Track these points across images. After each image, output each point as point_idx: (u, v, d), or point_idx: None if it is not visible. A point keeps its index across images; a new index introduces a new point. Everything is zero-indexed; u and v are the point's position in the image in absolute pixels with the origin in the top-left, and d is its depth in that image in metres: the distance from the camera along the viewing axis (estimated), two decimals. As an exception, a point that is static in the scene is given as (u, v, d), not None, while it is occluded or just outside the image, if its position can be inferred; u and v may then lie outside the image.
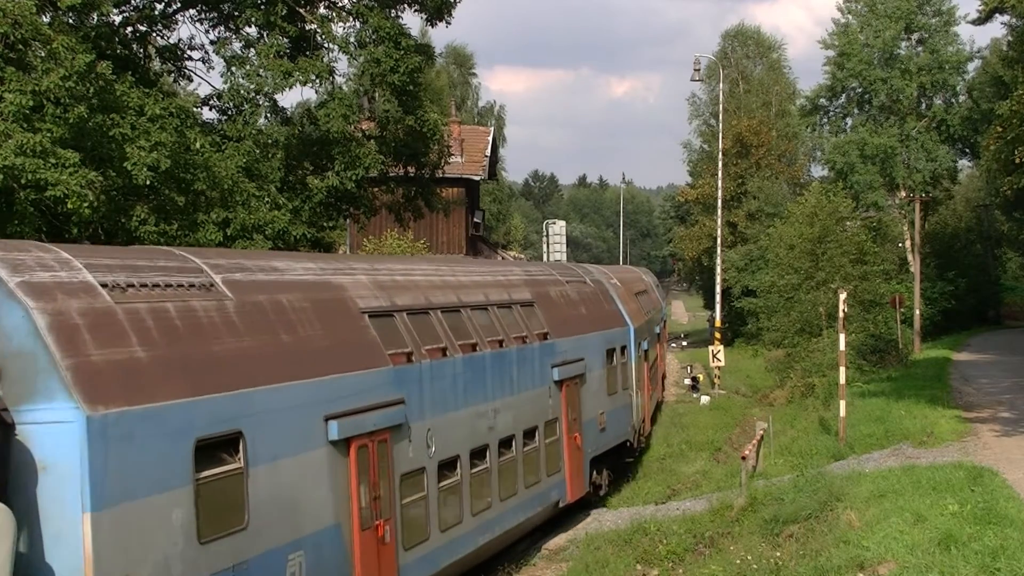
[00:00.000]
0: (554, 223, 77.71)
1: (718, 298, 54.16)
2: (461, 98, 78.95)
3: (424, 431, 14.49)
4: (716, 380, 47.18)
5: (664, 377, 45.19)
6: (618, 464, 26.68)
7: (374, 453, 13.08)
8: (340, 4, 28.74)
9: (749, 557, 16.04)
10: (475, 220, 54.36)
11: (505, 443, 17.68)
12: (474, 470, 16.25)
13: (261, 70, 26.38)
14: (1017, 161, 26.29)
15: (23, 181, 18.26)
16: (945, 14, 56.71)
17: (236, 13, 27.45)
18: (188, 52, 29.19)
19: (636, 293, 32.84)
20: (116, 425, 8.97)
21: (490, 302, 18.18)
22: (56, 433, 8.65)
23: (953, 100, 58.18)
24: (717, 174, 57.33)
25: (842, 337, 25.62)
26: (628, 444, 26.53)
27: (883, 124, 56.23)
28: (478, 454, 16.51)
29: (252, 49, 27.28)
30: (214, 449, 10.19)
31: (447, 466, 15.31)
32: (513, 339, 18.33)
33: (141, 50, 27.75)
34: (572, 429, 21.03)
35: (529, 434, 18.79)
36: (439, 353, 15.35)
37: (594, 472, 23.42)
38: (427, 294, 16.08)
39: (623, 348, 25.99)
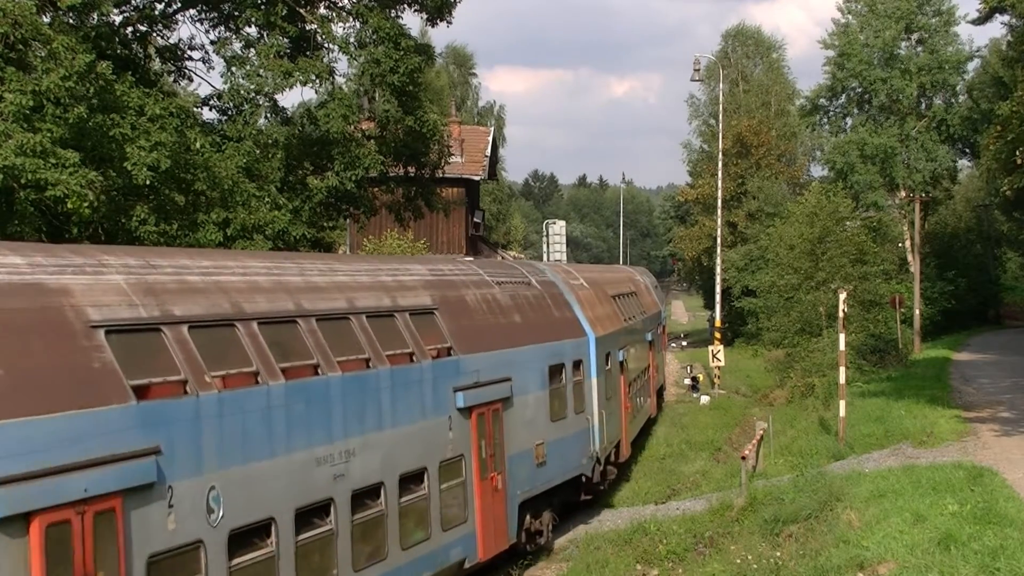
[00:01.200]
0: (554, 223, 77.67)
1: (718, 298, 54.17)
2: (461, 98, 78.94)
3: (201, 490, 10.56)
4: (716, 380, 47.19)
5: (662, 388, 41.69)
6: (573, 503, 22.91)
7: (85, 532, 9.16)
8: (340, 4, 28.73)
9: (749, 557, 16.05)
10: (475, 220, 54.34)
11: (368, 494, 13.52)
12: (304, 536, 12.07)
13: (261, 70, 26.37)
14: (1017, 161, 26.30)
15: (23, 181, 18.26)
16: (945, 14, 56.72)
17: (236, 13, 27.45)
18: (188, 52, 29.18)
19: (616, 295, 29.21)
20: None
21: (355, 309, 14.09)
22: None
23: (953, 100, 58.19)
24: (717, 174, 57.35)
25: (842, 337, 25.62)
26: (585, 479, 22.37)
27: (883, 124, 56.25)
28: (314, 513, 12.40)
29: (252, 49, 27.26)
30: None
31: (250, 535, 11.31)
32: (389, 357, 14.24)
33: (141, 50, 27.74)
34: (488, 468, 16.98)
35: (413, 479, 14.56)
36: (244, 380, 11.61)
37: (528, 517, 19.37)
38: (236, 300, 12.14)
39: (578, 363, 21.94)
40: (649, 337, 34.72)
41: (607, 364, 24.27)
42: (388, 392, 14.13)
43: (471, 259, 27.71)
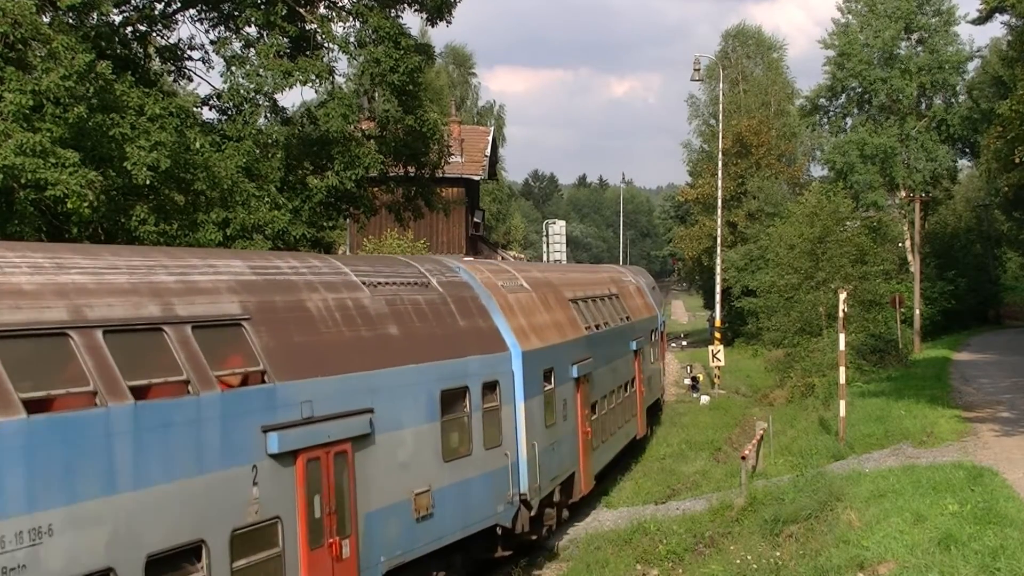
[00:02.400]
0: (554, 223, 77.68)
1: (718, 298, 54.18)
2: (461, 98, 78.96)
3: None
4: (716, 380, 47.19)
5: (659, 401, 37.62)
6: (486, 560, 18.53)
7: None
8: (340, 4, 28.73)
9: (749, 557, 16.05)
10: (475, 220, 54.36)
11: None
12: None
13: (261, 70, 26.37)
14: (1016, 160, 26.31)
15: (23, 181, 18.26)
16: (945, 14, 56.77)
17: (236, 13, 27.44)
18: (188, 52, 29.18)
19: (580, 299, 25.09)
20: None
21: (81, 322, 9.95)
22: None
23: (953, 100, 58.23)
24: (717, 174, 57.35)
25: (842, 337, 25.62)
26: (502, 530, 17.94)
27: (883, 124, 56.28)
28: None
29: (252, 49, 27.26)
30: None
31: None
32: (135, 389, 10.15)
33: (141, 50, 27.73)
34: (327, 532, 12.53)
35: (178, 560, 10.39)
36: None
37: None
38: None
39: (492, 384, 17.41)
40: (634, 346, 30.23)
41: (548, 383, 20.15)
42: (128, 438, 9.93)
43: (349, 256, 20.90)
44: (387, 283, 15.67)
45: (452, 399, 15.98)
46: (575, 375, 22.17)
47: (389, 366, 14.34)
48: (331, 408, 12.77)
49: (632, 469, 28.93)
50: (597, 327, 25.49)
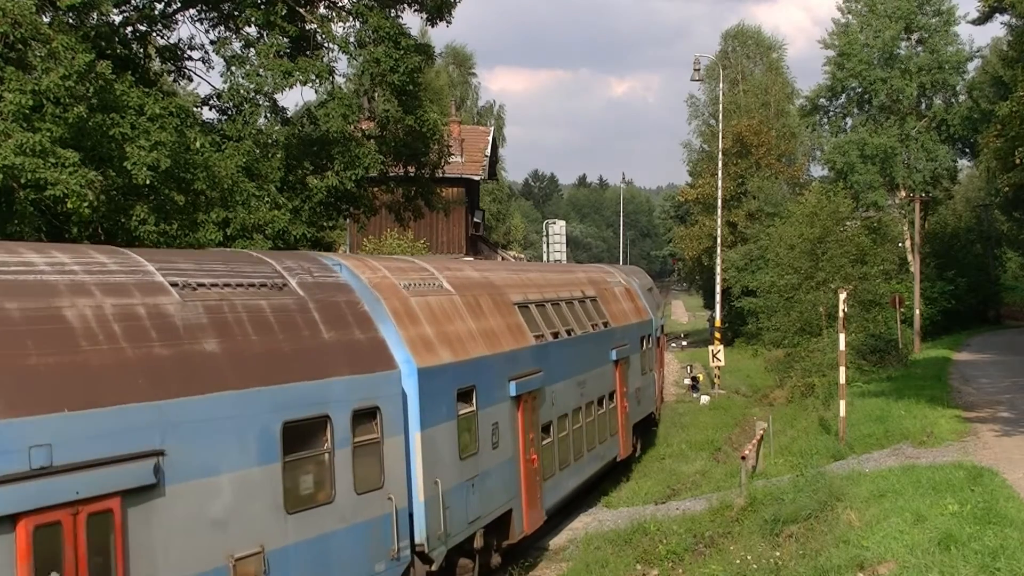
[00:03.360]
0: (554, 223, 77.70)
1: (718, 298, 54.18)
2: (461, 98, 78.94)
3: None
4: (716, 380, 47.19)
5: (652, 416, 33.27)
6: None
7: None
8: (340, 4, 28.74)
9: (749, 557, 16.04)
10: (475, 220, 54.35)
11: None
12: None
13: (261, 70, 26.37)
14: (1017, 160, 26.33)
15: (23, 181, 18.26)
16: (945, 14, 56.77)
17: (236, 13, 27.44)
18: (188, 52, 29.19)
19: (531, 303, 21.56)
20: None
21: None
22: None
23: (953, 100, 58.24)
24: (717, 174, 57.35)
25: (842, 337, 25.62)
26: None
27: (883, 124, 56.28)
28: None
29: (252, 49, 27.26)
30: None
31: None
32: None
33: (141, 50, 27.73)
34: None
35: None
36: None
37: None
38: None
39: (370, 412, 13.66)
40: (615, 355, 26.62)
41: (466, 404, 16.64)
42: None
43: (141, 250, 12.72)
44: (213, 285, 12.11)
45: (302, 433, 12.31)
46: (514, 393, 18.55)
47: (196, 393, 10.81)
48: (86, 453, 9.42)
49: (632, 469, 28.93)
50: (555, 335, 21.93)
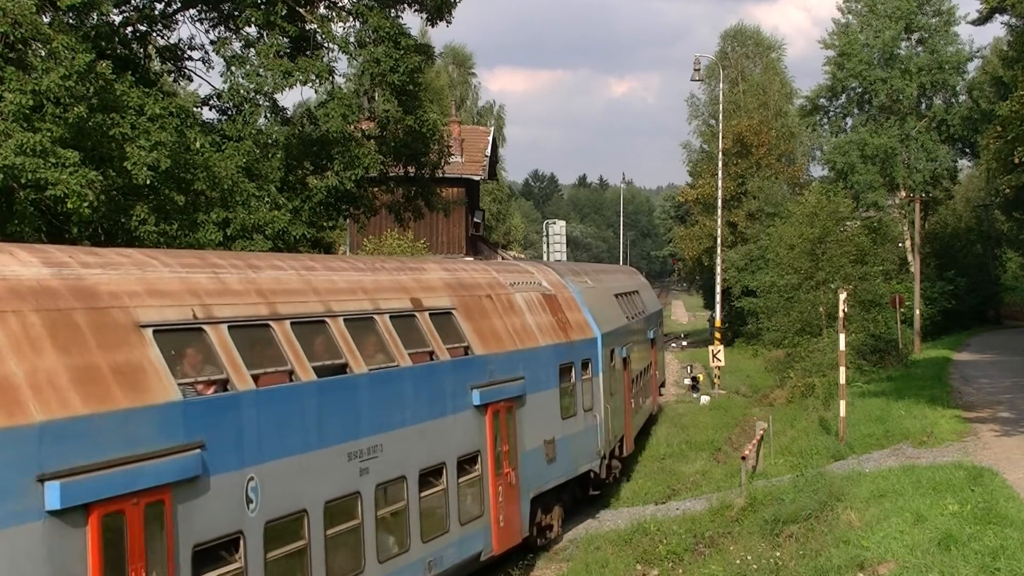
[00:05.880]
0: (554, 223, 77.70)
1: (718, 298, 54.16)
2: (461, 98, 78.96)
3: None
4: (716, 380, 47.18)
5: (598, 480, 23.59)
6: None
7: None
8: (340, 4, 28.74)
9: (749, 557, 16.04)
10: (475, 220, 54.35)
11: None
12: None
13: (261, 70, 26.37)
14: (1016, 161, 26.30)
15: (23, 181, 18.27)
16: (945, 14, 56.75)
17: (236, 13, 27.44)
18: (188, 52, 29.20)
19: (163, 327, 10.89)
20: None
21: None
22: None
23: (953, 100, 58.21)
24: (717, 174, 57.35)
25: (842, 337, 25.61)
26: None
27: (883, 124, 56.26)
28: None
29: (252, 49, 27.26)
30: None
31: None
32: None
33: (141, 50, 27.74)
34: None
35: None
36: None
37: None
38: None
39: None
40: (478, 399, 16.79)
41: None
42: None
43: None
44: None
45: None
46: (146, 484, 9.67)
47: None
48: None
49: (632, 469, 28.91)
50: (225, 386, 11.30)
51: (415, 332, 15.54)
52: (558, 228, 75.06)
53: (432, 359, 15.62)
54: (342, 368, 13.21)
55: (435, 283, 17.19)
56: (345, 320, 13.60)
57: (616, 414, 25.19)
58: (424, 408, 15.06)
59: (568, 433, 21.11)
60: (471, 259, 32.55)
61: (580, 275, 26.27)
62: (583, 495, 23.24)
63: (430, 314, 16.07)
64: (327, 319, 13.33)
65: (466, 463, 16.25)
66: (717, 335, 50.54)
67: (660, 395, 39.67)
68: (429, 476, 15.01)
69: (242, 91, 26.62)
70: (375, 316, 14.45)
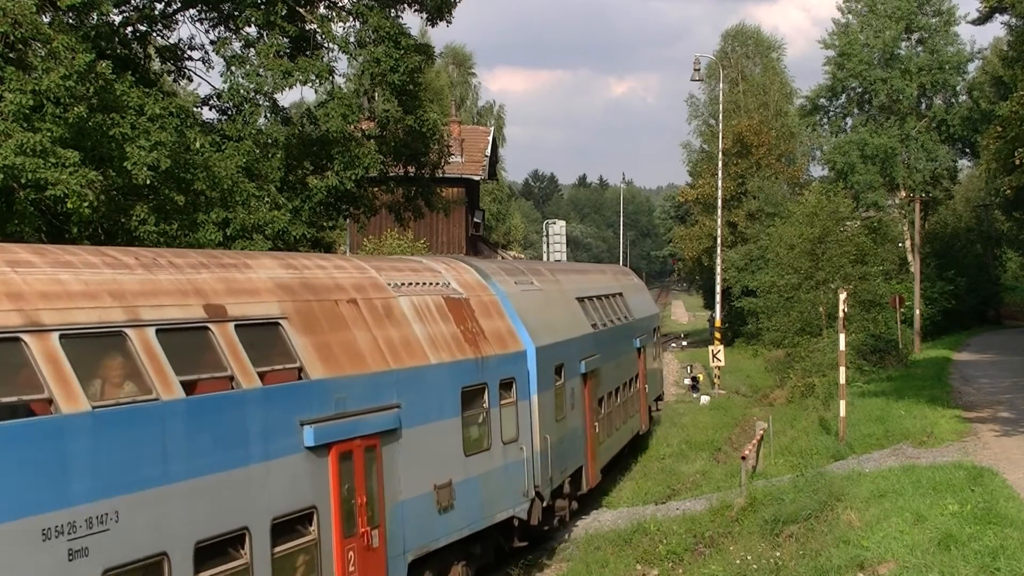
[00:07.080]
0: (554, 223, 77.62)
1: (718, 298, 54.17)
2: (461, 98, 78.96)
3: None
4: (716, 380, 47.18)
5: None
6: None
7: None
8: (340, 4, 28.73)
9: (749, 557, 16.04)
10: (475, 220, 54.37)
11: None
12: None
13: (261, 70, 26.36)
14: (1016, 162, 26.29)
15: (23, 181, 18.25)
16: (945, 14, 56.77)
17: (236, 13, 27.43)
18: (188, 52, 29.18)
19: None
20: None
21: None
22: None
23: (953, 100, 58.23)
24: (717, 174, 57.35)
25: (842, 337, 25.61)
26: None
27: (883, 124, 56.28)
28: None
29: (252, 49, 27.25)
30: None
31: None
32: None
33: (141, 50, 27.73)
34: None
35: None
36: None
37: None
38: None
39: None
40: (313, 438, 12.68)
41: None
42: None
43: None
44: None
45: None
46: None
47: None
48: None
49: (632, 469, 28.92)
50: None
51: (203, 351, 11.42)
52: (558, 228, 75.00)
53: (232, 387, 11.42)
54: (43, 404, 9.30)
55: (256, 285, 12.82)
56: (62, 336, 9.65)
57: (568, 442, 21.42)
58: (206, 456, 10.90)
59: (476, 473, 16.74)
60: (353, 256, 26.32)
61: (518, 274, 21.94)
62: (511, 548, 19.16)
63: (237, 325, 11.85)
64: (22, 335, 9.31)
65: (290, 525, 12.00)
66: (717, 335, 50.54)
67: (657, 409, 35.80)
68: (215, 548, 10.83)
69: (242, 91, 26.60)
70: (125, 330, 10.40)
